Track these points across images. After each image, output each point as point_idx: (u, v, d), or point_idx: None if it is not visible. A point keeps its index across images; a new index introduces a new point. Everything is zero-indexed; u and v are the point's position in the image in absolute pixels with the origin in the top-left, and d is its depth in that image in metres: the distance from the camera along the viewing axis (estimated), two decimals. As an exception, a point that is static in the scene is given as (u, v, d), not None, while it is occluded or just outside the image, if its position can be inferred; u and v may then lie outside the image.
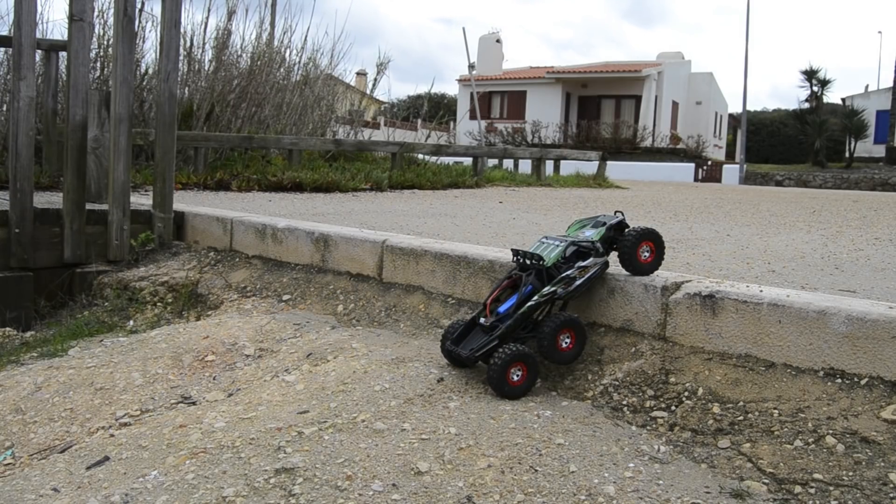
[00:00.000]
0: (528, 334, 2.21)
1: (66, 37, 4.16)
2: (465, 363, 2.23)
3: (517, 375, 2.08)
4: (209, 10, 9.17)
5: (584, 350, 2.23)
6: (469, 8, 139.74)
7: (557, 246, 2.26)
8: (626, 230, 2.33)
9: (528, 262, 2.27)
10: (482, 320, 2.22)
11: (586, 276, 2.23)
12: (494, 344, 2.13)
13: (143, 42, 8.27)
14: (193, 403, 2.33)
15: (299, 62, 10.14)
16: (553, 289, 2.18)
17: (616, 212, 2.43)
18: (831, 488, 1.62)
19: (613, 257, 2.36)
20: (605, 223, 2.36)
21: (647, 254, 2.29)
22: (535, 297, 2.17)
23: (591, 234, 2.34)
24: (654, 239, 2.30)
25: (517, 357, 2.08)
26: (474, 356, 2.15)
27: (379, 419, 1.96)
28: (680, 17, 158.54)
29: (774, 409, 1.88)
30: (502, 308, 2.22)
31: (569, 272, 2.21)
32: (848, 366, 1.88)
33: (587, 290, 2.31)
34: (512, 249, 2.34)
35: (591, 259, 2.25)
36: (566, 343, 2.16)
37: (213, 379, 2.51)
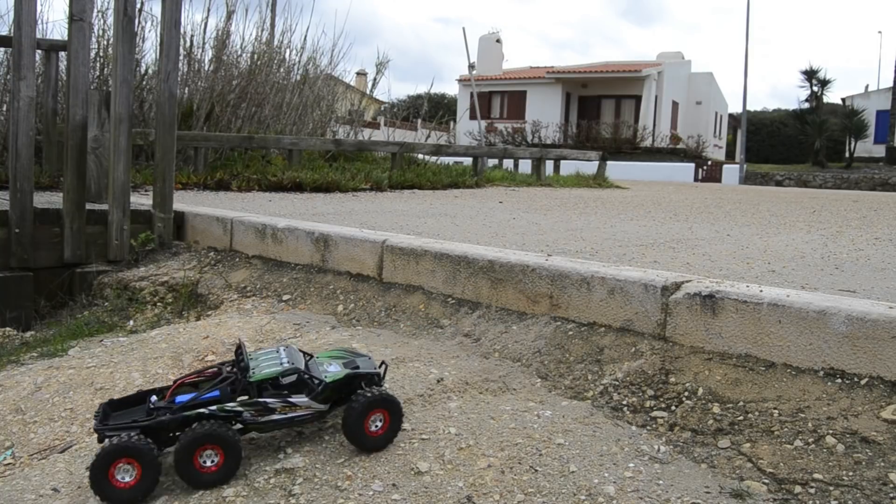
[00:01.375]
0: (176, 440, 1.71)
1: (66, 37, 4.16)
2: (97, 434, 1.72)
3: (128, 477, 1.62)
4: (209, 10, 9.18)
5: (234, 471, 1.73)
6: (466, 8, 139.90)
7: (280, 365, 1.81)
8: (359, 392, 1.81)
9: (233, 368, 1.85)
10: (153, 398, 1.79)
11: (288, 415, 1.77)
12: (132, 433, 1.66)
13: (143, 42, 8.28)
14: (193, 403, 2.33)
15: (299, 62, 10.15)
16: (240, 409, 1.74)
17: (381, 363, 1.97)
18: (831, 488, 1.62)
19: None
20: (356, 368, 1.88)
21: (378, 425, 1.80)
22: (213, 408, 1.72)
23: (333, 370, 1.87)
24: (388, 407, 1.82)
25: (125, 452, 1.61)
26: (104, 434, 1.68)
27: (379, 419, 1.95)
28: (677, 16, 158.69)
29: (774, 409, 1.88)
30: (182, 397, 1.77)
31: (270, 400, 1.76)
32: (848, 366, 1.88)
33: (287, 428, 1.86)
34: (238, 343, 1.93)
35: (306, 399, 1.79)
36: (211, 462, 1.68)
37: (213, 379, 2.51)
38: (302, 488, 1.65)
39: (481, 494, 1.63)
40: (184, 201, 4.91)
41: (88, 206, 4.04)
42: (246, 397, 1.76)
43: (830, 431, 1.76)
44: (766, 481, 1.68)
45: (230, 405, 1.74)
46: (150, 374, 2.51)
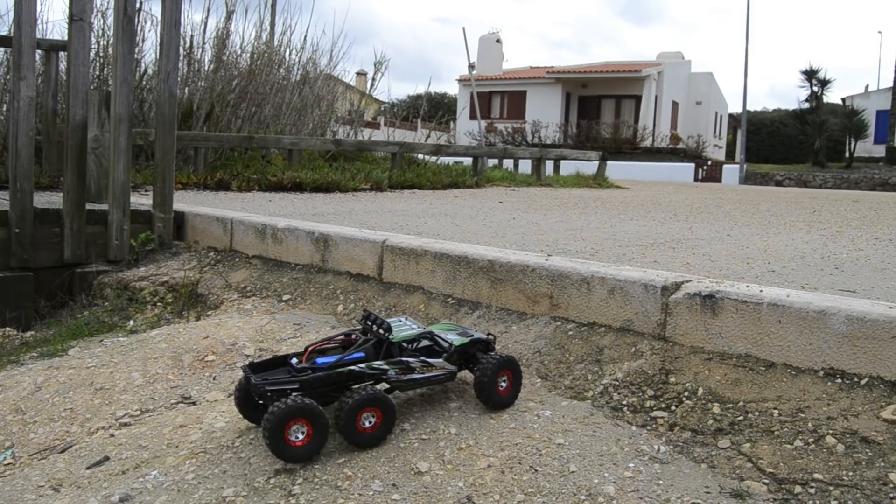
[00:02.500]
0: (335, 395, 1.85)
1: (66, 37, 4.16)
2: (252, 392, 1.84)
3: (300, 434, 1.71)
4: (208, 10, 9.18)
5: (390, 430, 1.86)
6: (463, 7, 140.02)
7: (413, 329, 2.02)
8: (487, 355, 2.04)
9: (374, 327, 2.00)
10: (294, 360, 1.91)
11: (426, 374, 1.96)
12: (293, 387, 1.78)
13: (143, 42, 8.28)
14: (193, 403, 2.33)
15: (299, 62, 10.15)
16: (385, 367, 1.90)
17: (488, 333, 2.19)
18: (831, 488, 1.62)
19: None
20: (471, 335, 2.11)
21: (505, 384, 2.03)
22: (362, 365, 1.87)
23: (452, 338, 2.07)
24: (510, 367, 2.04)
25: (299, 412, 1.70)
26: (264, 388, 1.77)
27: (379, 419, 1.95)
28: (676, 16, 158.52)
29: (774, 409, 1.88)
30: (322, 360, 1.90)
31: (411, 360, 1.94)
32: (848, 366, 1.88)
33: (420, 391, 2.07)
34: (364, 311, 2.09)
35: (440, 360, 1.99)
36: (369, 423, 1.81)
37: (214, 379, 2.51)
38: (302, 488, 1.65)
39: (481, 494, 1.63)
40: (184, 201, 4.91)
41: (88, 206, 4.04)
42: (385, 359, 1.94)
43: (830, 431, 1.76)
44: (766, 481, 1.68)
45: (377, 364, 1.90)
46: (150, 374, 2.51)
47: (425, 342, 2.02)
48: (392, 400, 1.86)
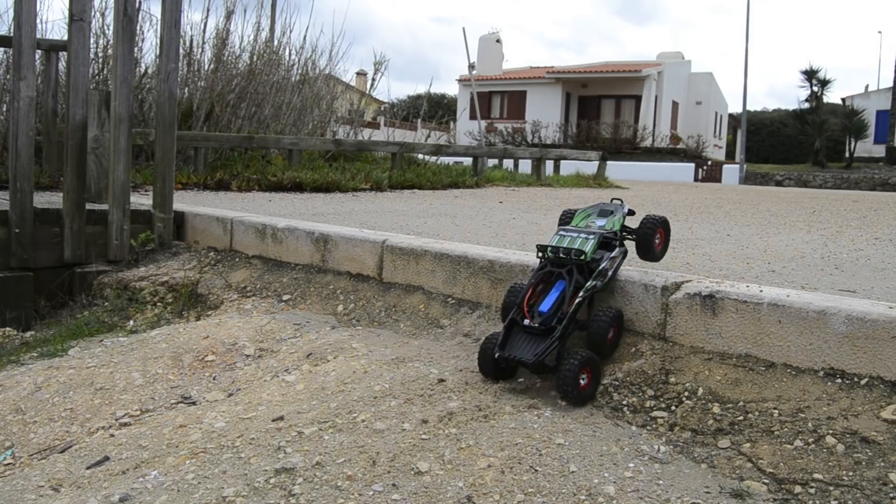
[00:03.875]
0: (574, 329, 2.22)
1: (65, 37, 4.16)
2: (531, 369, 2.14)
3: (584, 380, 2.08)
4: (208, 10, 9.17)
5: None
6: (462, 7, 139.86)
7: (588, 239, 2.30)
8: (643, 219, 2.47)
9: (568, 256, 2.27)
10: (526, 322, 2.17)
11: (614, 266, 2.32)
12: (556, 345, 2.10)
13: (143, 42, 8.28)
14: (193, 403, 2.33)
15: (298, 61, 10.15)
16: (594, 283, 2.23)
17: (613, 199, 2.54)
18: (831, 488, 1.62)
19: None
20: (612, 211, 2.48)
21: (658, 240, 2.46)
22: (582, 293, 2.19)
23: (602, 223, 2.44)
24: (664, 226, 2.48)
25: (585, 362, 2.07)
26: (540, 360, 2.09)
27: (379, 419, 1.96)
28: (674, 15, 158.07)
29: (774, 409, 1.88)
30: (543, 307, 2.19)
31: (603, 265, 2.27)
32: (848, 366, 1.88)
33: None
34: (538, 245, 2.34)
35: (616, 250, 2.34)
36: (611, 335, 2.22)
37: (213, 379, 2.51)
38: (302, 488, 1.65)
39: (481, 494, 1.63)
40: (184, 201, 4.91)
41: (88, 206, 4.03)
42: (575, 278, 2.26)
43: (830, 431, 1.76)
44: (766, 481, 1.68)
45: (589, 284, 2.22)
46: (150, 374, 2.51)
47: (600, 241, 2.33)
48: (624, 314, 2.30)
